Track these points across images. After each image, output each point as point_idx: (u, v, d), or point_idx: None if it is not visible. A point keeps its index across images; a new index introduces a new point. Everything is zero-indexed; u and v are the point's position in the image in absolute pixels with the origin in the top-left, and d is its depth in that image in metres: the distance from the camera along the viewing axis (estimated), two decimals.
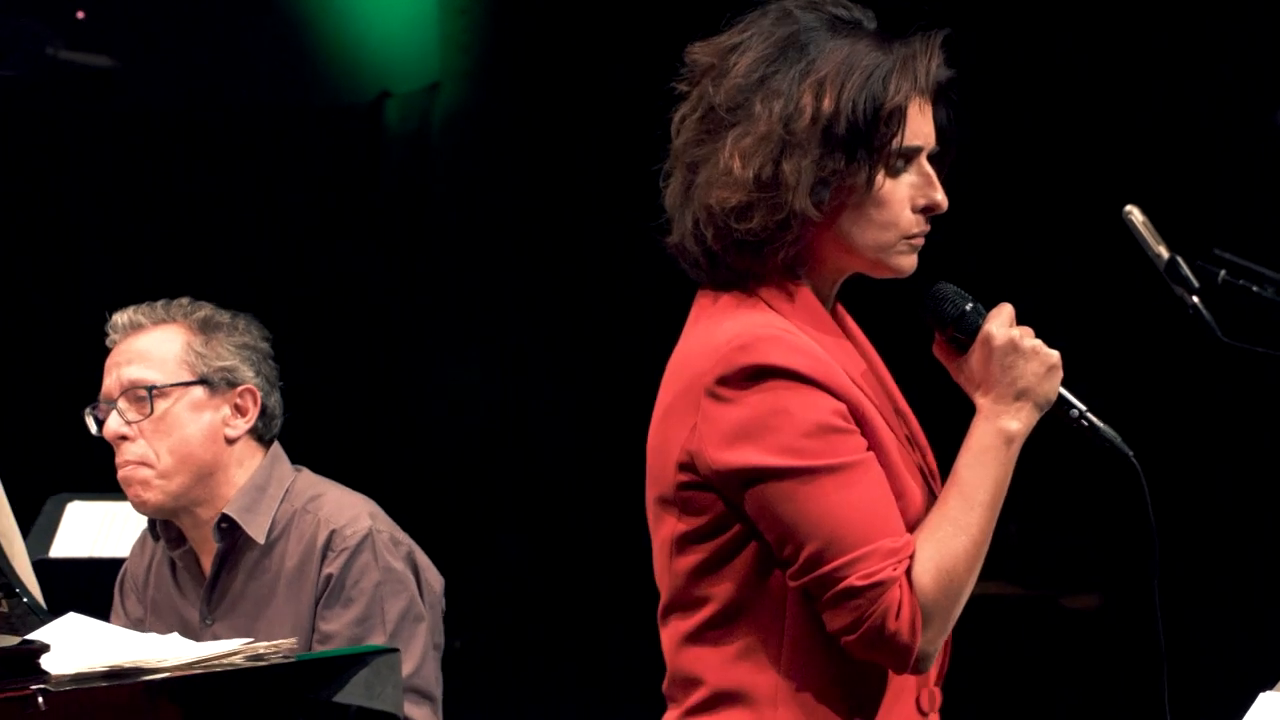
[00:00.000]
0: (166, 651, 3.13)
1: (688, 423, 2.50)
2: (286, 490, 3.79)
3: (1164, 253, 3.21)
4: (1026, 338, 2.55)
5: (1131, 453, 2.60)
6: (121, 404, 3.75)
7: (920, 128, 2.55)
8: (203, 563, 3.82)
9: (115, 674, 3.02)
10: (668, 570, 2.56)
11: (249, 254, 7.10)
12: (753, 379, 2.46)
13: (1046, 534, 5.94)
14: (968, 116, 2.57)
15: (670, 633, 2.57)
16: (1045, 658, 6.16)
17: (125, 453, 3.75)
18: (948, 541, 2.48)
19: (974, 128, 2.60)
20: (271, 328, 3.93)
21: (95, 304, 3.85)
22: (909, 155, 2.55)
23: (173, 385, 3.75)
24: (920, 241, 2.58)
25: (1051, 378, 2.54)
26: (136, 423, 3.74)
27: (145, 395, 3.74)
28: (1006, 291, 2.65)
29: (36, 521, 4.80)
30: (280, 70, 7.19)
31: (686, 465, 2.50)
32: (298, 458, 3.89)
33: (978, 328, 2.56)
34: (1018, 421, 2.52)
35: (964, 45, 2.55)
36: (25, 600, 3.44)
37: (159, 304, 3.82)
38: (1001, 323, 2.55)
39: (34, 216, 7.06)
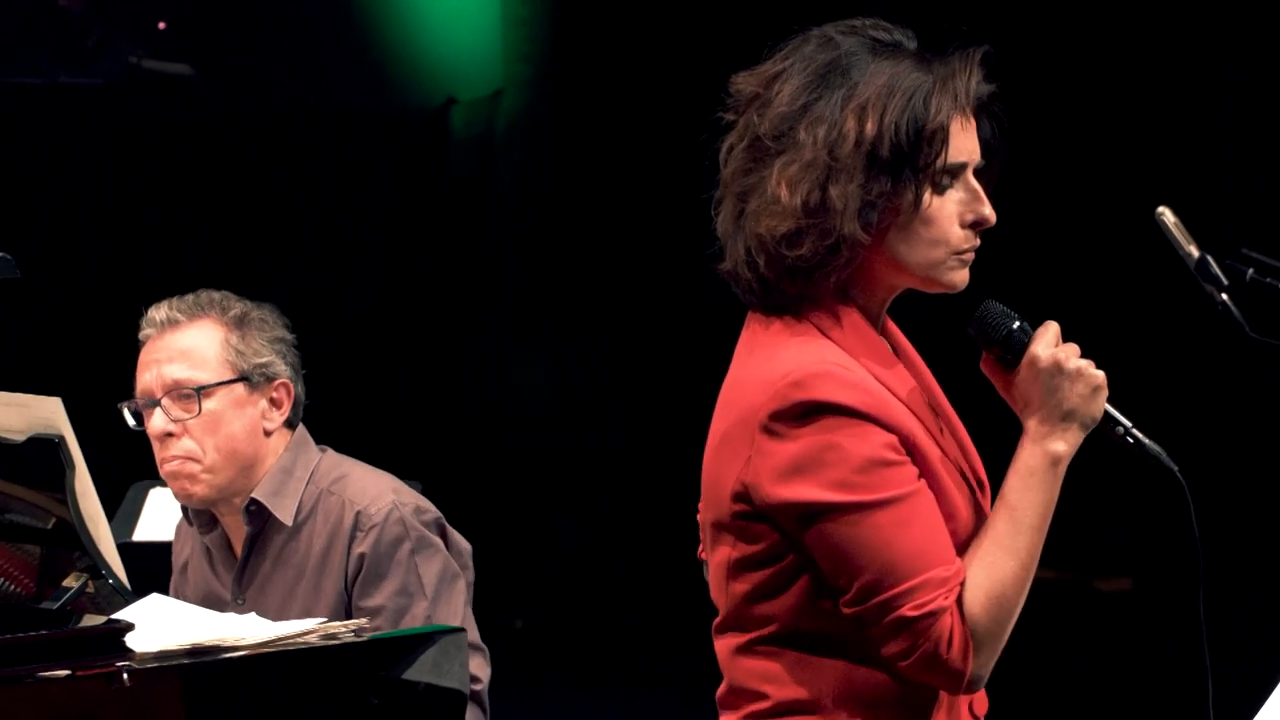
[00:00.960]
0: (245, 630, 3.22)
1: (742, 455, 2.51)
2: (312, 472, 3.80)
3: (1194, 252, 3.22)
4: (1072, 358, 2.53)
5: (1177, 468, 2.60)
6: (165, 402, 3.73)
7: (964, 144, 2.54)
8: (234, 546, 3.85)
9: (196, 652, 3.09)
10: (724, 591, 2.58)
11: (319, 254, 7.19)
12: (806, 415, 2.47)
13: (1080, 518, 5.99)
14: (1012, 129, 2.59)
15: (726, 644, 2.60)
16: (1079, 640, 6.21)
17: (171, 448, 3.74)
18: (997, 566, 2.49)
19: (1010, 138, 2.61)
20: (337, 327, 3.97)
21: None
22: (954, 172, 2.54)
23: (217, 384, 3.74)
24: (970, 256, 2.57)
25: (1097, 398, 2.53)
26: (182, 420, 3.73)
27: (192, 394, 3.73)
28: (1031, 294, 2.66)
29: (120, 507, 4.82)
30: (350, 78, 7.28)
31: (741, 496, 2.52)
32: (363, 450, 3.93)
33: (1024, 347, 2.55)
34: (1064, 443, 2.52)
35: (1002, 58, 2.56)
36: (111, 582, 3.50)
37: (189, 297, 3.81)
38: (1046, 343, 2.54)
39: (117, 216, 7.17)
